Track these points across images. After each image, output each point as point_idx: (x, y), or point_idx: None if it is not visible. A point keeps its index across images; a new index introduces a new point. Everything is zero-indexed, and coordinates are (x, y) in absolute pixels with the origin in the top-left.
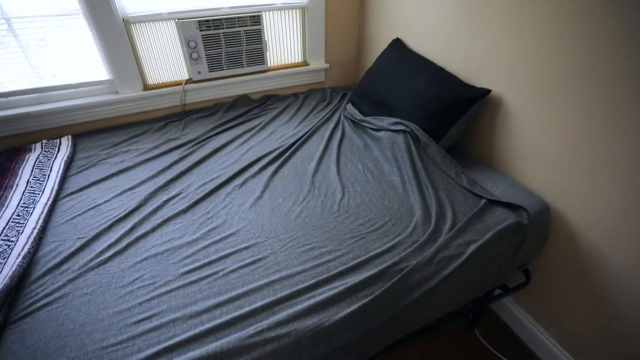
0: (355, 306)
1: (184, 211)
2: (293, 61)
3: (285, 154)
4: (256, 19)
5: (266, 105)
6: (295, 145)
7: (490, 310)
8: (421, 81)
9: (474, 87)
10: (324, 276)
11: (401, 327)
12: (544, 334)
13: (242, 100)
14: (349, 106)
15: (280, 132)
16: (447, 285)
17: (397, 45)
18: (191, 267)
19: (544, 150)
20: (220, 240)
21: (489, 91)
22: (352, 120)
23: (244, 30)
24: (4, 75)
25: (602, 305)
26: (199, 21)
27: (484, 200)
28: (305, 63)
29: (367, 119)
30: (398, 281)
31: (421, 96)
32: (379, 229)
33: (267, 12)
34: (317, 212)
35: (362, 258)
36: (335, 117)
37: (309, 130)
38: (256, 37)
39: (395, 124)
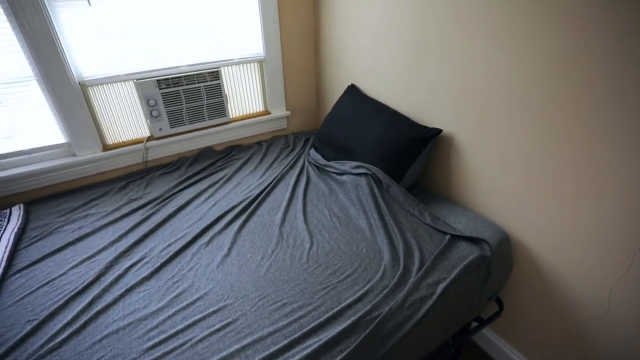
0: None
1: (148, 277)
2: (255, 111)
3: (251, 206)
4: (215, 74)
5: (230, 156)
6: (261, 196)
7: (472, 342)
8: (377, 125)
9: (426, 127)
10: (296, 335)
11: None
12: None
13: (205, 153)
14: (312, 151)
15: (245, 183)
16: (421, 327)
17: (353, 91)
18: (156, 340)
19: (497, 182)
20: (188, 306)
21: (440, 131)
22: (316, 166)
23: (204, 86)
24: None
25: (571, 326)
26: (157, 80)
27: (448, 237)
28: (266, 112)
29: (330, 163)
30: (372, 332)
31: (379, 139)
32: (349, 276)
33: (226, 67)
34: (287, 265)
35: (335, 310)
36: (300, 163)
37: (274, 179)
38: (216, 91)
39: (357, 167)
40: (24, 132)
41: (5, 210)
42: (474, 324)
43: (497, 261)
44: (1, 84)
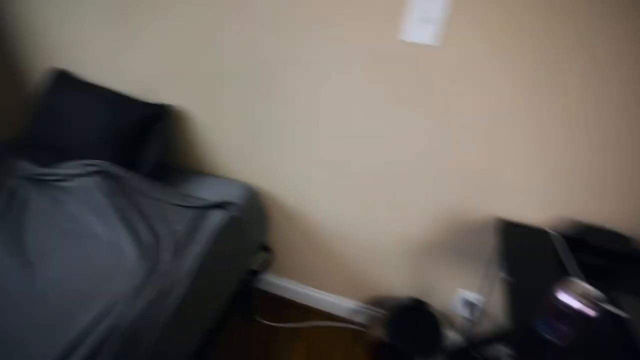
0: None
1: None
2: None
3: None
4: None
5: None
6: None
7: (260, 291)
8: (97, 112)
9: (150, 104)
10: None
11: None
12: (303, 287)
13: None
14: (20, 162)
15: None
16: (186, 308)
17: (60, 76)
18: None
19: (232, 144)
20: None
21: (166, 106)
22: (29, 179)
23: None
24: None
25: (323, 247)
26: None
27: (196, 209)
28: None
29: (50, 170)
30: (122, 344)
31: (102, 128)
32: (88, 297)
33: None
34: (3, 319)
35: (67, 345)
36: (4, 183)
37: None
38: None
39: (84, 165)
40: None
41: None
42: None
43: (251, 215)
44: None
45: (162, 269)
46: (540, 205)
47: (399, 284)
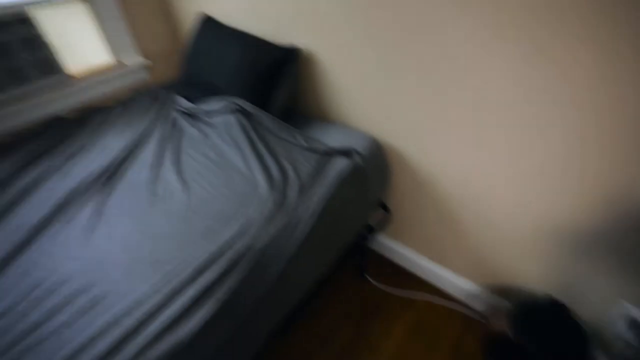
0: (212, 309)
1: None
2: (103, 64)
3: (117, 170)
4: (24, 20)
5: (86, 123)
6: (128, 158)
7: (373, 251)
8: (234, 54)
9: (283, 47)
10: (174, 285)
11: (279, 308)
12: (419, 257)
13: (53, 125)
14: (178, 98)
15: (108, 147)
16: (307, 248)
17: (205, 20)
18: (13, 336)
19: (362, 94)
20: (48, 295)
21: (298, 50)
22: (185, 113)
23: (16, 38)
24: None
25: (448, 217)
26: None
27: (320, 154)
28: (121, 64)
29: (198, 106)
30: (254, 264)
31: (237, 68)
32: (229, 217)
33: (41, 10)
34: (162, 223)
35: (213, 252)
36: (167, 114)
37: (141, 136)
38: (36, 43)
39: (223, 102)
40: None
41: None
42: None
43: (373, 169)
44: None
45: (289, 204)
46: None
47: (535, 276)
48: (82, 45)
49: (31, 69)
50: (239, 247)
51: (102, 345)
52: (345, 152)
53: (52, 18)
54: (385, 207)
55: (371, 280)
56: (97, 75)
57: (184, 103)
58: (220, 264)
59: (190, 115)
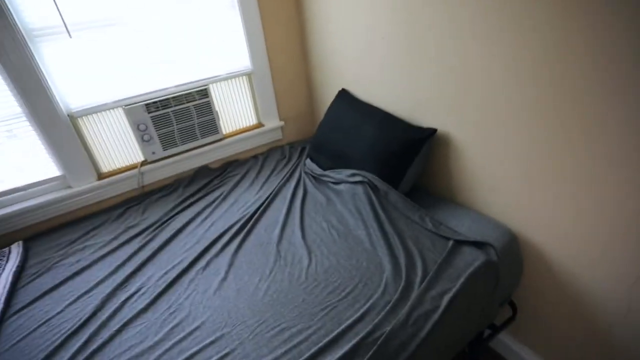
0: None
1: (145, 309)
2: (248, 125)
3: (248, 225)
4: (203, 93)
5: (227, 174)
6: (258, 213)
7: (489, 348)
8: (370, 129)
9: (420, 127)
10: None
11: None
12: None
13: (201, 172)
14: (308, 161)
15: (242, 200)
16: (428, 344)
17: (344, 95)
18: None
19: (500, 179)
20: (185, 337)
21: (435, 130)
22: (312, 176)
23: (193, 105)
24: None
25: (589, 326)
26: (146, 104)
27: (451, 242)
28: (260, 124)
29: (326, 172)
30: (375, 354)
31: (372, 144)
32: (350, 294)
33: (214, 84)
34: (285, 286)
35: (335, 333)
36: (296, 175)
37: (270, 194)
38: (206, 109)
39: (353, 175)
40: (18, 168)
41: (5, 249)
42: (488, 331)
43: (506, 264)
44: None
45: (413, 296)
46: None
47: None
48: (236, 110)
49: (199, 129)
50: (360, 331)
51: None
52: (478, 244)
53: (220, 89)
54: (513, 306)
55: None
56: (241, 134)
57: (313, 166)
58: (342, 346)
59: (317, 180)
